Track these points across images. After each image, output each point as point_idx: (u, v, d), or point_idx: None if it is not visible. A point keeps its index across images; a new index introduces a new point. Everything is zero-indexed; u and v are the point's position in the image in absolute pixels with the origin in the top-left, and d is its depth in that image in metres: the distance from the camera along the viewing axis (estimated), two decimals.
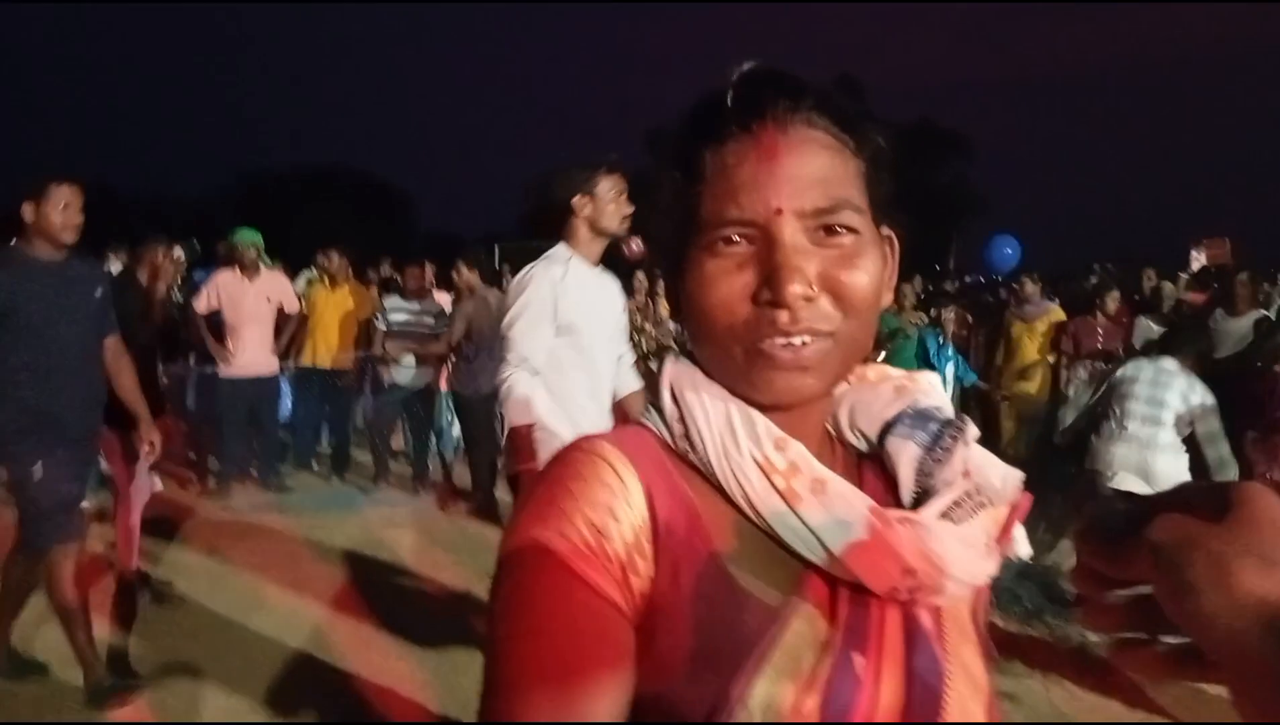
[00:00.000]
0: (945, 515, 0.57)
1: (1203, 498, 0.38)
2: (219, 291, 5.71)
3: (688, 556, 0.56)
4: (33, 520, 2.99)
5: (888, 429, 0.65)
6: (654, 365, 3.94)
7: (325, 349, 6.33)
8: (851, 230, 0.58)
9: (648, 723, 0.54)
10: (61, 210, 2.94)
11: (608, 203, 2.61)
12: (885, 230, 0.63)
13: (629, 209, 2.62)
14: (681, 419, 0.62)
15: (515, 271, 2.73)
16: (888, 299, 0.63)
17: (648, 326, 6.98)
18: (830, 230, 0.57)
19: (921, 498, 0.60)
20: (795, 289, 0.55)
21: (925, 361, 6.06)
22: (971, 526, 0.58)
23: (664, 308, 7.03)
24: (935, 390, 0.68)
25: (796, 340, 0.57)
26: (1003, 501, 0.60)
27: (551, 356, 2.57)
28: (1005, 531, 0.60)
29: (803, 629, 0.55)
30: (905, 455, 0.62)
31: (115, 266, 6.21)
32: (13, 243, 3.00)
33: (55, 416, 2.97)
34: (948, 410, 0.65)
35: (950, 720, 0.56)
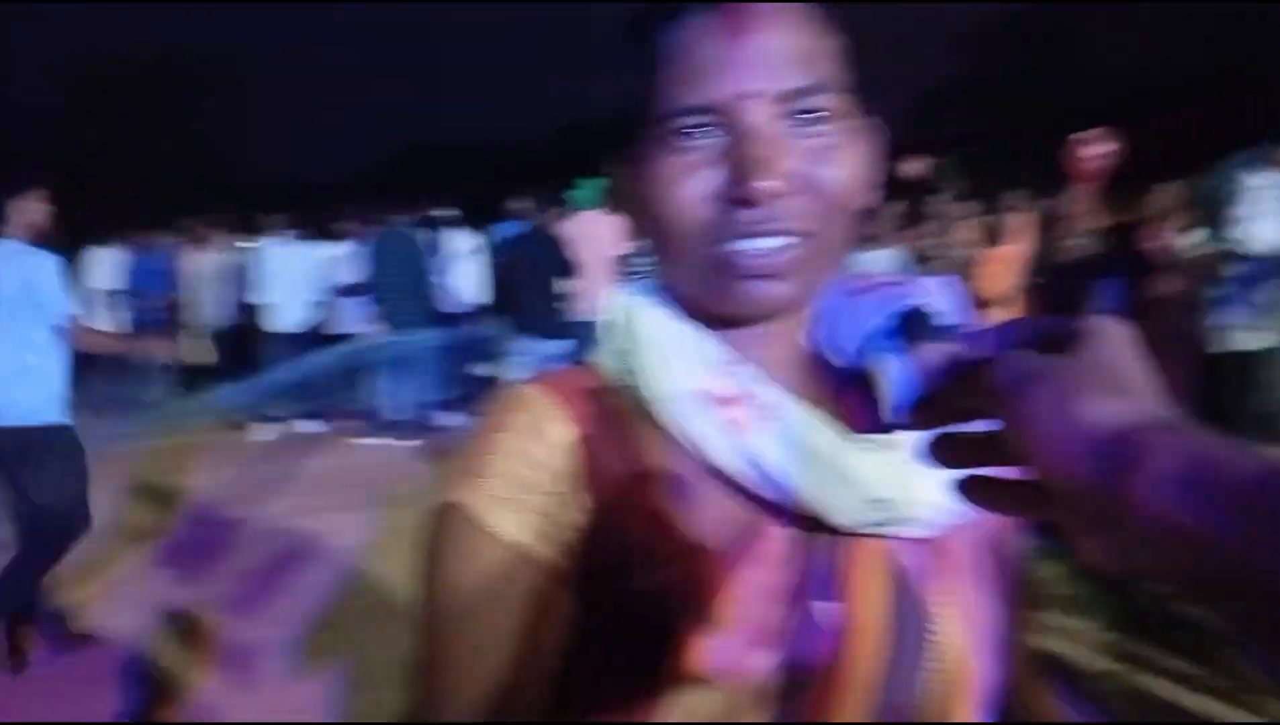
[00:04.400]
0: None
1: (1052, 332, 0.36)
2: None
3: (623, 506, 0.52)
4: None
5: (869, 342, 0.54)
6: None
7: None
8: (834, 116, 0.50)
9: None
10: None
11: None
12: (868, 118, 0.54)
13: None
14: (624, 351, 0.56)
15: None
16: (872, 198, 0.54)
17: None
18: (809, 116, 0.49)
19: None
20: (766, 184, 0.47)
21: None
22: None
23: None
24: (939, 294, 0.56)
25: (767, 243, 0.49)
26: None
27: None
28: None
29: (757, 578, 0.50)
30: (885, 371, 0.51)
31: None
32: None
33: None
34: (949, 317, 0.54)
35: (948, 668, 0.52)
